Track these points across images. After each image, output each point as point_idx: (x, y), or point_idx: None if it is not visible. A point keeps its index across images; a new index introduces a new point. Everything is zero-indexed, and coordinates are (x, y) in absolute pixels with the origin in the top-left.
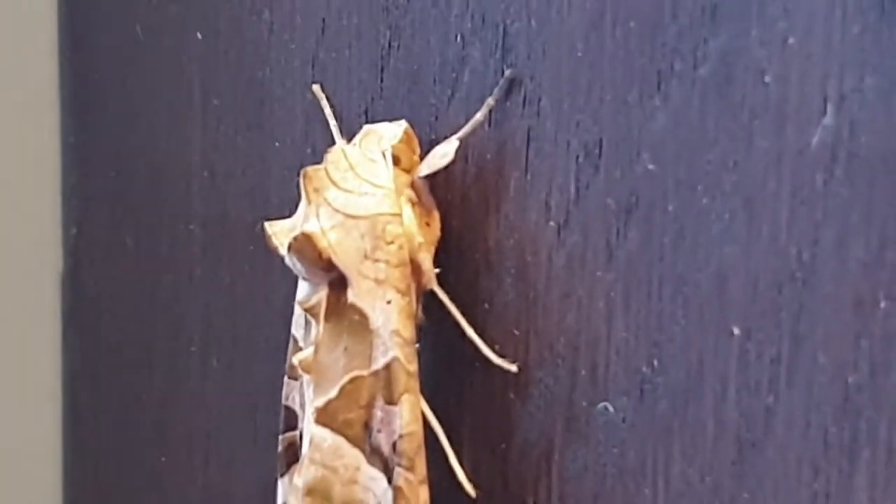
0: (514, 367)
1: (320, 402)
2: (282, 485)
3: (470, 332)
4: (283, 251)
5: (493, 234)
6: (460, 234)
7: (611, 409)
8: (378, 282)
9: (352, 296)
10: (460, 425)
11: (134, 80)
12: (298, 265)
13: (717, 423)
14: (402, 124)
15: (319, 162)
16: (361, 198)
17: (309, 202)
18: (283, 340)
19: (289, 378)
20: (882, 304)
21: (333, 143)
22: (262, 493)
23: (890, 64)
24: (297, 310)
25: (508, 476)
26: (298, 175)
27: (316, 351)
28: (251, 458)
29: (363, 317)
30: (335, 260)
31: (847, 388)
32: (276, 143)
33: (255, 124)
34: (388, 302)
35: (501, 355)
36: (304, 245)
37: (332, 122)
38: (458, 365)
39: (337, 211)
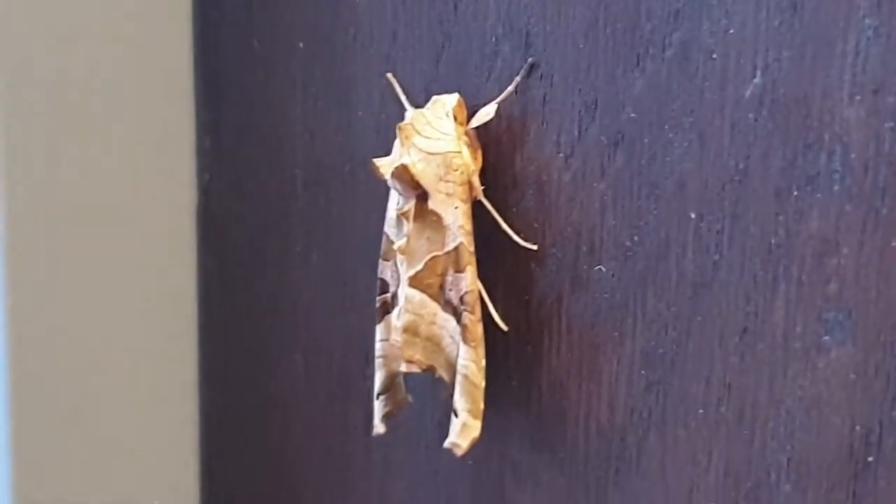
0: (534, 247)
1: (411, 272)
2: (378, 329)
3: (504, 225)
4: (387, 177)
5: (518, 163)
6: (496, 164)
7: (604, 269)
8: (448, 195)
9: (431, 204)
10: (496, 285)
11: (251, 75)
12: (398, 185)
13: (679, 274)
14: (457, 95)
15: (392, 126)
16: (436, 142)
17: (402, 145)
18: (361, 242)
19: (383, 260)
20: (794, 193)
21: (404, 110)
22: (346, 343)
23: (799, 43)
24: (391, 215)
25: (530, 316)
26: (397, 129)
27: (408, 240)
28: (339, 320)
29: (439, 217)
30: (421, 182)
31: (770, 245)
32: (360, 113)
33: (343, 101)
34: (456, 207)
35: (525, 240)
36: (402, 172)
37: (403, 97)
38: (496, 247)
39: (421, 150)
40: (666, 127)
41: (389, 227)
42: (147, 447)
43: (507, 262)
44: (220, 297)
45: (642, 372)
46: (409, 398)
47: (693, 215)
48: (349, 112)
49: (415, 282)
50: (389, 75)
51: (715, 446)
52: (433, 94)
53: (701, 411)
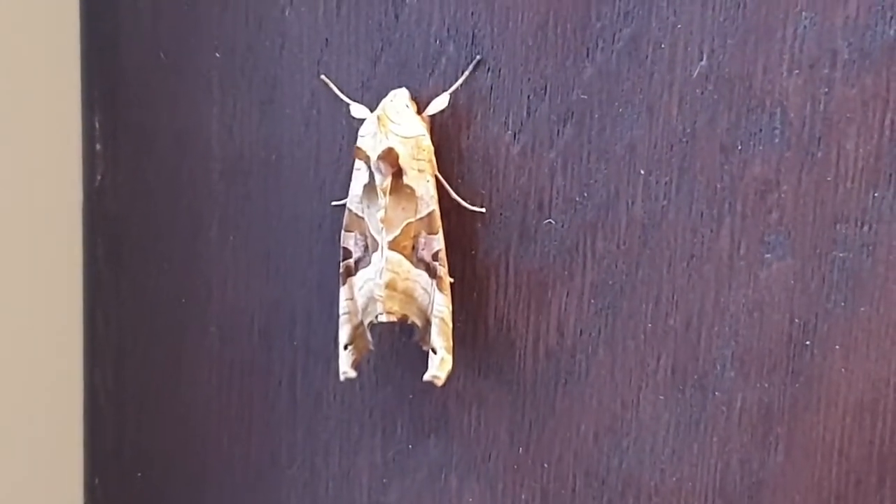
0: (482, 210)
1: (390, 237)
2: (343, 290)
3: (453, 193)
4: (372, 157)
5: (465, 142)
6: (443, 143)
7: (553, 222)
8: (420, 171)
9: (406, 179)
10: (446, 243)
11: (156, 82)
12: (381, 165)
13: (629, 219)
14: (405, 89)
15: (322, 120)
16: (407, 127)
17: (380, 132)
18: (288, 219)
19: (345, 231)
20: (739, 147)
21: (340, 106)
22: (269, 310)
23: (742, 32)
24: (355, 192)
25: (477, 267)
26: (376, 118)
27: (385, 211)
28: (260, 290)
29: (412, 190)
30: (400, 161)
31: (716, 189)
32: (287, 110)
33: (267, 100)
34: (427, 181)
35: (473, 204)
36: (388, 153)
37: (340, 93)
38: (445, 213)
39: (396, 135)
40: (616, 104)
41: (353, 203)
42: (30, 437)
43: (454, 225)
44: (112, 286)
45: (592, 301)
46: (371, 346)
47: (642, 171)
48: (274, 110)
49: (393, 245)
50: (323, 76)
51: (663, 351)
52: (372, 91)
53: (650, 325)
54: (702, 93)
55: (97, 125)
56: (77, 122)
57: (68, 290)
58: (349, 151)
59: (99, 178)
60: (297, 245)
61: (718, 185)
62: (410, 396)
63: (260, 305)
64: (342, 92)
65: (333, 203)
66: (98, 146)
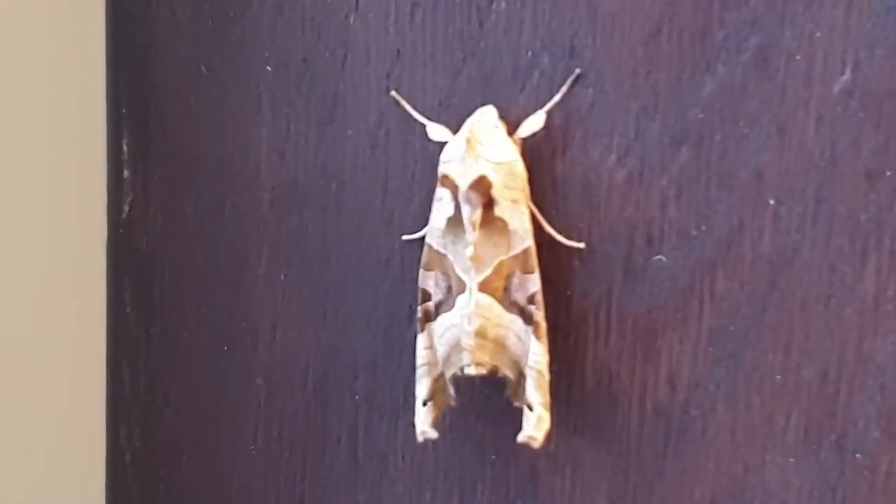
0: (581, 245)
1: (480, 278)
2: (421, 337)
3: (547, 227)
4: (461, 185)
5: (561, 168)
6: (535, 169)
7: (664, 259)
8: (514, 201)
9: (498, 211)
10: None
11: (196, 101)
12: (472, 195)
13: (755, 255)
14: (492, 107)
15: (390, 142)
16: (498, 151)
17: (468, 156)
18: (350, 255)
19: (425, 270)
20: (888, 173)
21: (413, 126)
22: (325, 358)
23: (891, 42)
24: (436, 225)
25: (573, 310)
26: (464, 141)
27: (475, 248)
28: (317, 336)
29: (504, 223)
30: (493, 190)
31: (860, 222)
32: (350, 132)
33: (327, 119)
34: (522, 212)
35: (570, 238)
36: (481, 181)
37: (412, 111)
38: (538, 249)
39: (488, 160)
40: (741, 124)
41: (434, 238)
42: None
43: (548, 262)
44: (141, 333)
45: (709, 349)
46: (453, 402)
47: (771, 201)
48: (335, 131)
49: (484, 286)
50: (394, 93)
51: (794, 407)
52: (452, 110)
53: (779, 377)
54: (844, 111)
55: (125, 148)
56: (102, 145)
57: (90, 337)
58: (423, 178)
59: (127, 208)
60: (360, 285)
61: (863, 217)
62: (493, 457)
63: (316, 354)
64: (416, 110)
65: (405, 237)
66: (126, 172)
